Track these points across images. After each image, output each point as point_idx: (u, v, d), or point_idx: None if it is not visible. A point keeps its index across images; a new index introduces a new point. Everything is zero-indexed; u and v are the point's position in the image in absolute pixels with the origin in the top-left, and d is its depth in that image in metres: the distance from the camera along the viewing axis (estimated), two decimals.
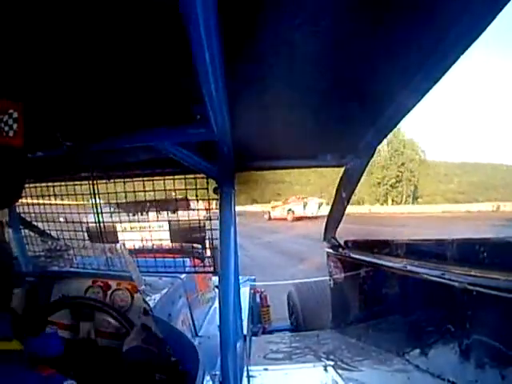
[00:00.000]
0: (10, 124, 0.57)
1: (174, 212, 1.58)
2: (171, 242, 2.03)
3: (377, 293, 1.97)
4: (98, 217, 1.41)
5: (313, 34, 0.66)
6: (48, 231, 1.57)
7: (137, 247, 1.64)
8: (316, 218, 14.75)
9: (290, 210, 16.53)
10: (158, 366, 0.87)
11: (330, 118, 1.06)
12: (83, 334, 1.23)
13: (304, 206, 16.36)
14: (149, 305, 1.10)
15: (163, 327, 1.04)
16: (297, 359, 1.90)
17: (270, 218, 18.16)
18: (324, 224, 2.21)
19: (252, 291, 2.83)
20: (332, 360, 1.79)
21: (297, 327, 2.77)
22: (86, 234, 1.51)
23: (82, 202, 1.47)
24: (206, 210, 1.33)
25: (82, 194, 1.46)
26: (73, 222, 1.49)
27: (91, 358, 1.12)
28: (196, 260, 1.72)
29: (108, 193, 1.41)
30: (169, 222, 1.88)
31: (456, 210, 17.61)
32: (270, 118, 1.01)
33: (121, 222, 1.51)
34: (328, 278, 2.51)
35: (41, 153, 0.87)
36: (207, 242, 1.89)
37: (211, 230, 1.33)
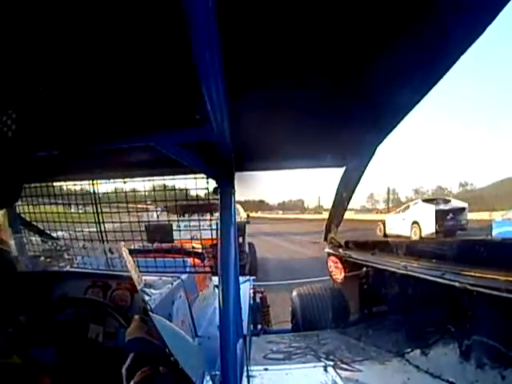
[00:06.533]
0: (8, 124, 0.57)
1: None
2: None
3: (377, 293, 1.97)
4: (98, 217, 1.41)
5: (313, 33, 0.66)
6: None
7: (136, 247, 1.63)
8: None
9: None
10: (162, 358, 0.85)
11: (331, 119, 1.06)
12: (91, 335, 1.23)
13: None
14: (149, 305, 1.10)
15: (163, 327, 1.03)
16: (297, 359, 1.90)
17: None
18: None
19: (252, 291, 2.82)
20: (332, 360, 1.79)
21: (297, 330, 2.76)
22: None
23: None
24: None
25: (82, 195, 1.46)
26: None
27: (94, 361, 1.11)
28: (196, 260, 1.72)
29: (108, 193, 1.41)
30: None
31: None
32: (270, 118, 1.01)
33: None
34: (328, 278, 2.51)
35: (41, 153, 0.86)
36: None
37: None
